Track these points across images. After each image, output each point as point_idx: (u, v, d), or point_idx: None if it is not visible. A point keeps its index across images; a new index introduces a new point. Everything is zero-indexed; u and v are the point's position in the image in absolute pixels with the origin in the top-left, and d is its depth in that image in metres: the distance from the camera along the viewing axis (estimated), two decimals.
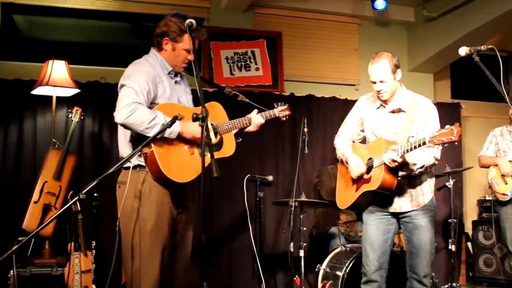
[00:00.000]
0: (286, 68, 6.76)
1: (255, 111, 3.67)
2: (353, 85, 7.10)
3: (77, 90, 5.34)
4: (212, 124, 3.37)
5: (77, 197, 2.75)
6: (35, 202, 4.80)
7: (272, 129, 6.18)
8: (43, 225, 2.79)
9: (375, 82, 3.68)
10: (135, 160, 3.12)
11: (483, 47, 3.03)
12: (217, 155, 3.32)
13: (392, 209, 3.72)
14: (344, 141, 3.95)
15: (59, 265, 4.71)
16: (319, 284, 4.95)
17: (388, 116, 3.75)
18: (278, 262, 5.99)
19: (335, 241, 5.37)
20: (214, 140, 3.37)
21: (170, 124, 2.99)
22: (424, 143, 3.26)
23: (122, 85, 3.14)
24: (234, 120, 3.51)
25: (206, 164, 2.83)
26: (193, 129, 3.11)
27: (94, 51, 6.48)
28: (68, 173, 4.99)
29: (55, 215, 2.84)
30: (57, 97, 5.28)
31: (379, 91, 3.68)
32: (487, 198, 6.77)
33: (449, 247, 5.66)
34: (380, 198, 3.71)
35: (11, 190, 5.40)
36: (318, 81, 6.92)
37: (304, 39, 6.97)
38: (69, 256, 4.57)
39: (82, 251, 4.59)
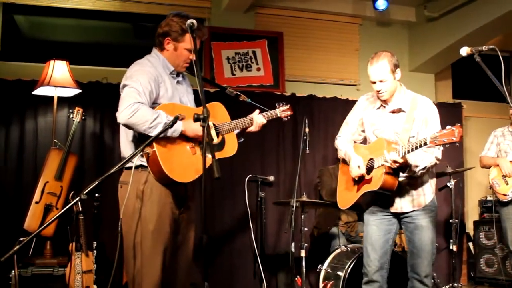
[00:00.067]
0: (287, 68, 6.76)
1: (257, 111, 3.67)
2: (354, 85, 7.10)
3: (78, 90, 5.34)
4: (214, 124, 3.37)
5: (78, 198, 2.75)
6: (37, 202, 4.80)
7: (273, 129, 6.18)
8: (45, 225, 2.79)
9: (374, 82, 3.68)
10: (137, 160, 3.12)
11: (484, 47, 3.03)
12: (219, 155, 3.33)
13: (393, 209, 3.72)
14: (346, 141, 3.95)
15: (60, 265, 4.71)
16: (321, 285, 4.95)
17: (389, 116, 3.75)
18: (279, 262, 5.99)
19: (336, 242, 5.37)
20: (216, 140, 3.38)
21: (171, 124, 2.99)
22: (425, 144, 3.25)
23: (124, 85, 3.14)
24: (236, 120, 3.52)
25: (207, 164, 2.83)
26: (196, 127, 3.11)
27: (95, 51, 6.48)
28: (69, 173, 4.99)
29: (57, 215, 2.84)
30: (58, 97, 5.28)
31: (378, 91, 3.68)
32: (489, 198, 6.77)
33: (451, 248, 5.65)
34: (381, 199, 3.71)
35: (13, 190, 5.41)
36: (319, 81, 6.92)
37: (305, 39, 6.97)
38: (71, 256, 4.56)
39: (83, 251, 4.58)
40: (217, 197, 5.99)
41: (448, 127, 3.15)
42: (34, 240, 4.66)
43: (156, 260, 3.14)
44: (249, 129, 3.61)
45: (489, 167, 5.63)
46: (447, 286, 5.81)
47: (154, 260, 3.14)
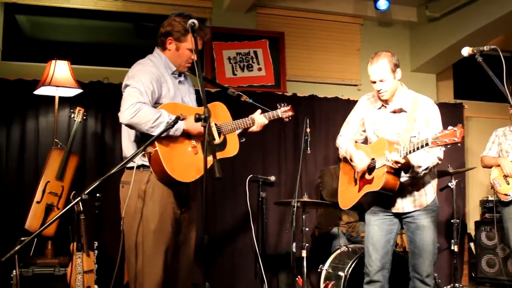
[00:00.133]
0: (288, 68, 6.76)
1: (259, 111, 3.68)
2: (355, 85, 7.10)
3: (80, 90, 5.34)
4: (215, 124, 3.37)
5: (79, 197, 2.75)
6: (38, 202, 4.81)
7: (274, 129, 6.18)
8: (46, 225, 2.79)
9: (375, 82, 3.67)
10: (139, 160, 3.13)
11: (486, 47, 3.03)
12: (220, 155, 3.33)
13: (395, 209, 3.72)
14: (346, 140, 3.95)
15: (61, 265, 4.71)
16: (322, 285, 4.95)
17: (390, 116, 3.74)
18: (281, 263, 5.99)
19: (337, 242, 5.37)
20: (217, 140, 3.38)
21: (172, 124, 2.99)
22: (427, 144, 3.25)
23: (126, 85, 3.15)
24: (238, 120, 3.52)
25: (209, 164, 2.83)
26: (199, 125, 3.11)
27: (96, 51, 6.49)
28: (70, 173, 4.99)
29: (58, 215, 2.83)
30: (60, 97, 5.28)
31: (379, 91, 3.68)
32: (490, 198, 6.77)
33: (452, 248, 5.65)
34: (383, 199, 3.70)
35: (14, 190, 5.41)
36: (320, 81, 6.92)
37: (307, 39, 6.97)
38: (72, 256, 4.57)
39: (84, 251, 4.59)
40: (218, 197, 5.99)
41: (450, 127, 3.14)
42: (35, 240, 4.66)
43: (158, 260, 3.15)
44: (250, 129, 3.61)
45: (490, 167, 5.62)
46: (449, 286, 5.80)
47: (155, 260, 3.14)
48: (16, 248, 2.65)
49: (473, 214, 7.39)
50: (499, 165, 5.49)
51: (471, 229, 7.11)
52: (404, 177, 3.61)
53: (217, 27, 6.49)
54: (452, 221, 5.69)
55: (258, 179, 6.04)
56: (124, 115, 3.02)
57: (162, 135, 3.02)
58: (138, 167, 3.15)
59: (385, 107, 3.77)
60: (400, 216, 3.75)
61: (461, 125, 3.15)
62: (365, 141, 3.98)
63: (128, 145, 3.27)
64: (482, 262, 6.64)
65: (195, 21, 2.99)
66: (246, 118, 3.57)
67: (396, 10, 7.17)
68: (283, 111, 3.83)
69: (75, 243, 4.55)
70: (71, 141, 5.02)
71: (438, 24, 6.99)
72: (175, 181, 3.10)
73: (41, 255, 4.86)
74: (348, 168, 3.91)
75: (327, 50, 7.04)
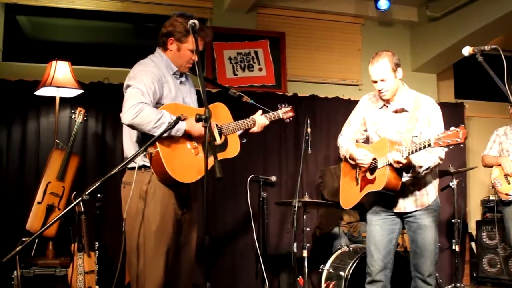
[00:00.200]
0: (289, 68, 6.76)
1: (260, 112, 3.68)
2: (356, 85, 7.09)
3: (81, 91, 5.34)
4: (216, 125, 3.37)
5: (80, 198, 2.75)
6: (39, 203, 4.81)
7: (275, 130, 6.18)
8: (47, 225, 2.79)
9: (376, 82, 3.67)
10: (140, 161, 3.12)
11: (486, 47, 3.03)
12: (221, 156, 3.33)
13: (397, 209, 3.72)
14: (347, 139, 3.94)
15: (62, 266, 4.71)
16: (323, 285, 4.95)
17: (391, 116, 3.74)
18: (282, 263, 5.99)
19: (338, 242, 5.37)
20: (218, 141, 3.38)
21: (173, 125, 2.99)
22: (429, 145, 3.24)
23: (128, 86, 3.14)
24: (239, 121, 3.52)
25: (210, 165, 2.83)
26: (200, 127, 3.11)
27: (97, 52, 6.49)
28: (71, 174, 4.99)
29: (59, 215, 2.83)
30: (61, 98, 5.29)
31: (380, 90, 3.68)
32: (491, 198, 6.76)
33: (453, 247, 5.65)
34: (384, 199, 3.70)
35: (15, 190, 5.41)
36: (321, 81, 6.92)
37: (307, 39, 6.97)
38: (73, 257, 4.57)
39: (85, 252, 4.59)
40: (219, 198, 5.99)
41: (452, 128, 3.14)
42: (36, 240, 4.65)
43: (159, 261, 3.14)
44: (251, 130, 3.61)
45: (491, 167, 5.61)
46: (450, 286, 5.80)
47: (156, 261, 3.14)
48: (17, 248, 2.65)
49: (474, 213, 7.39)
50: (500, 165, 5.48)
51: (472, 228, 7.11)
52: (405, 177, 3.61)
53: (217, 27, 6.48)
54: (453, 220, 5.69)
55: (259, 179, 6.03)
56: (126, 116, 3.02)
57: (164, 136, 3.02)
58: (140, 167, 3.16)
59: (387, 106, 3.77)
60: (401, 215, 3.75)
61: (463, 125, 3.15)
62: (366, 141, 3.98)
63: (129, 146, 3.27)
64: (483, 262, 6.64)
65: (196, 22, 2.99)
66: (247, 119, 3.57)
67: (397, 10, 7.17)
68: (284, 112, 3.83)
69: (76, 244, 4.56)
70: (72, 141, 5.02)
71: (438, 24, 6.98)
72: (176, 182, 3.09)
73: (42, 256, 4.86)
74: (349, 168, 3.90)
75: (327, 50, 7.04)
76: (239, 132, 3.55)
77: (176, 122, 2.99)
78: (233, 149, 3.46)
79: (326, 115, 6.59)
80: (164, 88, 3.23)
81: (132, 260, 3.17)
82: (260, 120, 3.61)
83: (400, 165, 3.43)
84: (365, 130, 3.94)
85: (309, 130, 5.03)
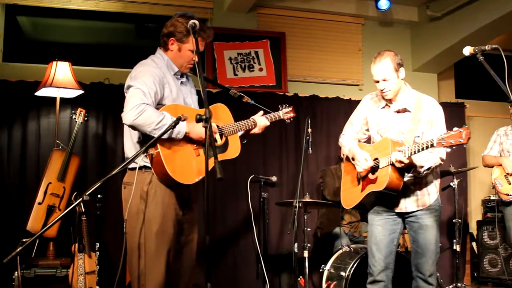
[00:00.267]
0: (289, 68, 6.75)
1: (261, 112, 3.67)
2: (357, 85, 7.09)
3: (81, 91, 5.34)
4: (217, 126, 3.36)
5: (81, 199, 2.75)
6: (39, 203, 4.81)
7: (276, 130, 6.18)
8: (48, 226, 2.79)
9: (378, 81, 3.66)
10: (141, 161, 3.12)
11: (487, 47, 3.02)
12: (222, 156, 3.33)
13: (398, 209, 3.71)
14: (349, 138, 3.94)
15: (63, 267, 4.72)
16: (324, 285, 4.95)
17: (393, 116, 3.73)
18: (282, 263, 5.98)
19: (339, 242, 5.37)
20: (219, 141, 3.37)
21: (173, 125, 2.99)
22: (432, 145, 3.23)
23: (129, 86, 3.14)
24: (240, 122, 3.51)
25: (210, 166, 2.83)
26: (200, 130, 3.10)
27: (97, 52, 6.49)
28: (72, 174, 5.00)
29: (59, 216, 2.84)
30: (61, 99, 5.29)
31: (382, 90, 3.67)
32: (492, 198, 6.75)
33: (454, 247, 5.65)
34: (386, 199, 3.70)
35: (15, 191, 5.41)
36: (321, 81, 6.92)
37: (308, 40, 6.97)
38: (73, 258, 4.57)
39: (86, 253, 4.59)
40: (220, 198, 5.99)
41: (455, 128, 3.12)
42: (37, 241, 4.65)
43: (160, 261, 3.14)
44: (252, 131, 3.60)
45: (491, 167, 5.60)
46: (451, 286, 5.80)
47: (157, 261, 3.14)
48: (18, 249, 2.66)
49: (475, 213, 7.38)
50: (500, 165, 5.48)
51: (473, 228, 7.11)
52: (406, 177, 3.60)
53: (218, 28, 6.47)
54: (454, 220, 5.69)
55: (260, 179, 6.04)
56: (128, 116, 3.01)
57: (164, 137, 3.02)
58: (140, 168, 3.15)
59: (389, 106, 3.76)
60: (403, 215, 3.75)
61: (466, 126, 3.14)
62: (368, 141, 3.98)
63: (130, 146, 3.26)
64: (484, 262, 6.64)
65: (196, 22, 2.99)
66: (248, 120, 3.56)
67: (397, 10, 7.17)
68: (285, 113, 3.83)
69: (76, 244, 4.57)
70: (72, 142, 5.02)
71: (439, 24, 6.98)
72: (176, 182, 3.09)
73: (42, 257, 4.86)
74: (351, 167, 3.90)
75: (328, 50, 7.04)
76: (240, 133, 3.55)
77: (176, 122, 2.99)
78: (234, 150, 3.45)
79: (327, 115, 6.59)
80: (165, 88, 3.23)
81: (133, 261, 3.16)
82: (261, 122, 3.60)
83: (402, 164, 3.42)
84: (367, 130, 3.93)
85: (309, 130, 5.02)
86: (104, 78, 5.83)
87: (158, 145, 3.05)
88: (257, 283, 5.93)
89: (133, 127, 3.07)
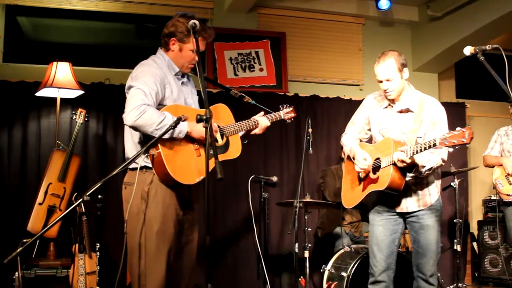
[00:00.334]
0: (290, 68, 6.75)
1: (261, 113, 3.67)
2: (357, 85, 7.09)
3: (81, 92, 5.34)
4: (218, 126, 3.36)
5: (81, 199, 2.75)
6: (40, 204, 4.81)
7: (276, 130, 6.18)
8: (48, 226, 2.78)
9: (381, 81, 3.66)
10: (142, 162, 3.12)
11: (488, 47, 3.02)
12: (223, 157, 3.33)
13: (399, 209, 3.70)
14: (351, 138, 3.93)
15: (63, 267, 4.72)
16: (324, 285, 4.94)
17: (396, 116, 3.73)
18: (283, 263, 5.98)
19: (340, 242, 5.36)
20: (220, 142, 3.37)
21: (174, 126, 2.98)
22: (434, 145, 3.23)
23: (130, 86, 3.13)
24: (241, 122, 3.51)
25: (211, 166, 2.83)
26: (201, 129, 3.10)
27: (98, 53, 6.49)
28: (72, 175, 5.00)
29: (60, 216, 2.85)
30: (61, 99, 5.29)
31: (385, 90, 3.66)
32: (493, 198, 6.75)
33: (455, 247, 5.65)
34: (387, 198, 3.69)
35: (16, 191, 5.41)
36: (322, 81, 6.92)
37: (308, 40, 6.96)
38: (74, 258, 4.57)
39: (86, 253, 4.59)
40: (220, 198, 5.98)
41: (458, 128, 3.12)
42: (38, 241, 4.65)
43: (161, 261, 3.14)
44: (253, 132, 3.61)
45: (492, 167, 5.60)
46: (452, 286, 5.80)
47: (158, 261, 3.14)
48: (18, 250, 2.66)
49: (476, 213, 7.37)
50: (501, 165, 5.47)
51: (473, 228, 7.10)
52: (407, 177, 3.60)
53: (218, 28, 6.46)
54: (455, 220, 5.69)
55: (260, 179, 6.03)
56: (129, 117, 3.01)
57: (165, 137, 3.02)
58: (141, 168, 3.15)
59: (392, 106, 3.75)
60: (404, 215, 3.74)
61: (469, 126, 3.14)
62: (370, 140, 3.97)
63: (131, 147, 3.26)
64: (485, 262, 6.63)
65: (196, 22, 2.99)
66: (249, 120, 3.56)
67: (398, 10, 7.17)
68: (286, 113, 3.83)
69: (77, 245, 4.57)
70: (73, 142, 5.02)
71: (439, 24, 6.98)
72: (177, 183, 3.09)
73: (43, 257, 4.86)
74: (352, 166, 3.89)
75: (328, 50, 7.04)
76: (240, 133, 3.54)
77: (177, 122, 2.99)
78: (234, 150, 3.45)
79: (327, 115, 6.58)
80: (166, 89, 3.23)
81: (134, 261, 3.16)
82: (262, 122, 3.60)
83: (404, 164, 3.41)
84: (369, 130, 3.93)
85: (310, 130, 5.01)
86: (105, 79, 5.83)
87: (159, 145, 3.05)
88: (258, 283, 5.93)
89: (134, 127, 3.07)
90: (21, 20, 6.38)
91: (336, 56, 7.08)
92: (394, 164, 3.46)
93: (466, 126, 3.11)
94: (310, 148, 4.99)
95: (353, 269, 4.65)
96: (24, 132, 5.54)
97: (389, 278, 3.75)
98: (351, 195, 3.89)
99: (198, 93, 3.51)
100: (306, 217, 5.03)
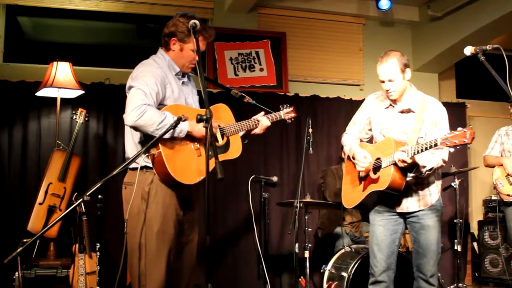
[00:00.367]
0: (290, 68, 6.75)
1: (262, 113, 3.67)
2: (358, 85, 7.09)
3: (82, 92, 5.34)
4: (219, 126, 3.36)
5: (81, 199, 2.75)
6: (40, 204, 4.81)
7: (276, 130, 6.18)
8: (48, 226, 2.79)
9: (383, 81, 3.65)
10: (142, 161, 3.12)
11: (488, 47, 3.02)
12: (224, 157, 3.33)
13: (400, 209, 3.70)
14: (351, 138, 3.93)
15: (64, 267, 4.71)
16: (325, 285, 4.94)
17: (397, 116, 3.72)
18: (283, 263, 5.98)
19: (340, 242, 5.36)
20: (221, 142, 3.37)
21: (174, 125, 2.98)
22: (435, 145, 3.22)
23: (131, 87, 3.13)
24: (241, 122, 3.51)
25: (211, 166, 2.82)
26: (202, 128, 3.10)
27: (98, 53, 6.49)
28: (72, 175, 4.99)
29: (60, 216, 2.84)
30: (62, 99, 5.29)
31: (387, 91, 3.65)
32: (493, 198, 6.74)
33: (455, 248, 5.65)
34: (388, 198, 3.69)
35: (16, 191, 5.41)
36: (322, 81, 6.92)
37: (308, 39, 6.96)
38: (74, 258, 4.57)
39: (86, 253, 4.59)
40: (220, 198, 5.98)
41: (459, 128, 3.12)
42: (38, 241, 4.65)
43: (161, 261, 3.14)
44: (253, 132, 3.60)
45: (493, 167, 5.60)
46: (452, 286, 5.79)
47: (158, 261, 3.14)
48: (19, 249, 2.66)
49: (476, 213, 7.37)
50: (501, 165, 5.47)
51: (474, 228, 7.10)
52: (408, 177, 3.59)
53: (218, 28, 6.45)
54: (455, 221, 5.69)
55: (261, 179, 6.03)
56: (130, 117, 3.01)
57: (166, 137, 3.02)
58: (141, 168, 3.14)
59: (393, 106, 3.75)
60: (404, 215, 3.74)
61: (470, 126, 3.13)
62: (370, 140, 3.97)
63: (131, 147, 3.26)
64: (486, 262, 6.63)
65: (197, 22, 2.98)
66: (250, 120, 3.56)
67: (398, 10, 7.17)
68: (286, 113, 3.82)
69: (77, 245, 4.56)
70: (73, 142, 5.02)
71: (440, 24, 6.98)
72: (177, 183, 3.09)
73: (43, 257, 4.86)
74: (352, 166, 3.89)
75: (329, 50, 7.04)
76: (241, 133, 3.54)
77: (177, 122, 2.99)
78: (235, 150, 3.45)
79: (328, 115, 6.58)
80: (166, 89, 3.22)
81: (134, 261, 3.16)
82: (263, 121, 3.60)
83: (405, 164, 3.41)
84: (370, 130, 3.92)
85: (310, 130, 5.01)
86: (105, 78, 5.83)
87: (159, 145, 3.05)
88: (258, 283, 5.92)
89: (135, 128, 3.07)
90: (22, 20, 6.38)
91: (337, 56, 7.07)
92: (395, 164, 3.46)
93: (467, 126, 3.11)
94: (311, 148, 4.99)
95: (354, 269, 4.65)
96: (24, 132, 5.54)
97: (390, 278, 3.75)
98: (352, 195, 3.89)
99: (199, 93, 3.51)
100: (306, 217, 5.03)
